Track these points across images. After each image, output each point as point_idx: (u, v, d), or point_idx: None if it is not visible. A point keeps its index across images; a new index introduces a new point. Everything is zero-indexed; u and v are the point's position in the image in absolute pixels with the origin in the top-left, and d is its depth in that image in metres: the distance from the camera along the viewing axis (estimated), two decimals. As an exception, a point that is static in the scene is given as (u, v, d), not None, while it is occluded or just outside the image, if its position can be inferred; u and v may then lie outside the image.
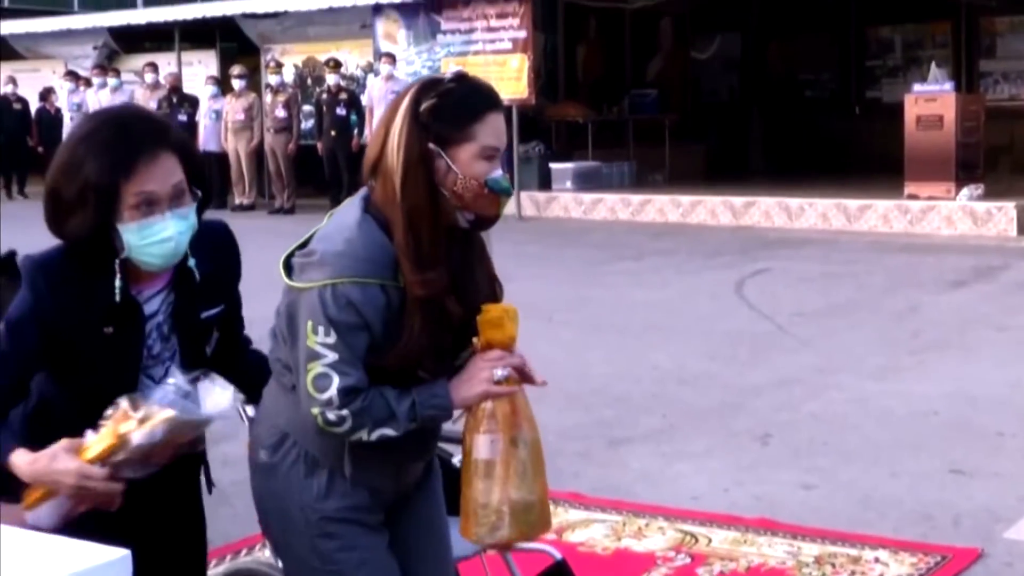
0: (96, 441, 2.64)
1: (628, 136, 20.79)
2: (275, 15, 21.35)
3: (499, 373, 2.88)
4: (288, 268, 2.85)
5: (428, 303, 2.81)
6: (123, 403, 2.66)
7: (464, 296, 2.89)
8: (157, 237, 2.76)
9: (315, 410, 2.78)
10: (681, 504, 5.71)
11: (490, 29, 18.43)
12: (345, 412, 2.77)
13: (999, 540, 5.10)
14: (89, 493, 2.66)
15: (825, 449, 6.48)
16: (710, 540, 5.25)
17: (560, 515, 5.56)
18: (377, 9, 19.66)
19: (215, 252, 2.98)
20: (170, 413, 2.64)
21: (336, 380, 2.76)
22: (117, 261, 2.79)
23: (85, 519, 2.77)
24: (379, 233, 2.82)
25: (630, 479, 6.14)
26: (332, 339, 2.75)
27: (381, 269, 2.79)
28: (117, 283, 2.79)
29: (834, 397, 7.56)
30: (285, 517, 2.95)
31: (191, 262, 2.89)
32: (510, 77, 18.07)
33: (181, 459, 2.85)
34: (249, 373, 3.12)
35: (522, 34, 18.17)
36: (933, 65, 17.06)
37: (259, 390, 3.07)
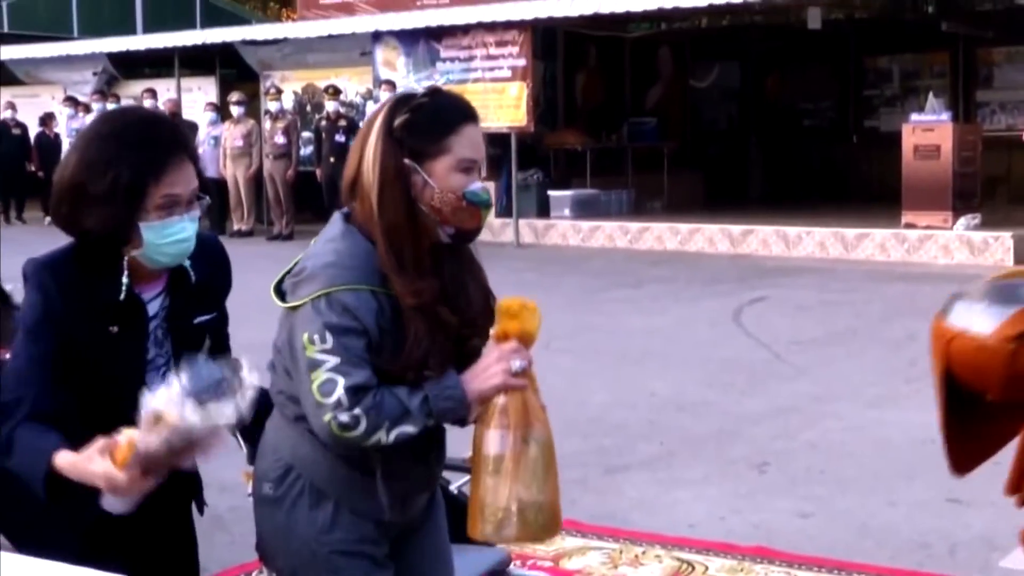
0: (122, 446, 2.61)
1: (627, 164, 20.84)
2: (275, 42, 21.43)
3: (516, 365, 2.82)
4: (280, 294, 2.86)
5: (422, 311, 2.80)
6: (128, 432, 2.62)
7: (457, 307, 2.88)
8: (176, 237, 2.83)
9: (327, 417, 2.71)
10: (678, 532, 5.70)
11: (489, 57, 18.49)
12: (358, 411, 2.70)
13: (995, 569, 5.10)
14: (127, 492, 2.65)
15: (822, 477, 6.49)
16: (707, 568, 5.25)
17: (557, 542, 5.55)
18: (377, 36, 19.73)
19: (207, 261, 3.03)
20: (171, 419, 2.58)
21: (341, 381, 2.71)
22: (125, 259, 2.84)
23: (78, 543, 2.79)
24: (364, 242, 2.83)
25: (627, 506, 6.13)
26: (330, 344, 2.72)
27: (370, 276, 2.79)
28: (124, 279, 2.85)
29: (831, 425, 7.56)
30: (292, 551, 2.92)
31: (187, 263, 2.94)
32: (509, 105, 18.12)
33: (174, 481, 2.82)
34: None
35: (521, 62, 18.23)
36: (931, 95, 17.12)
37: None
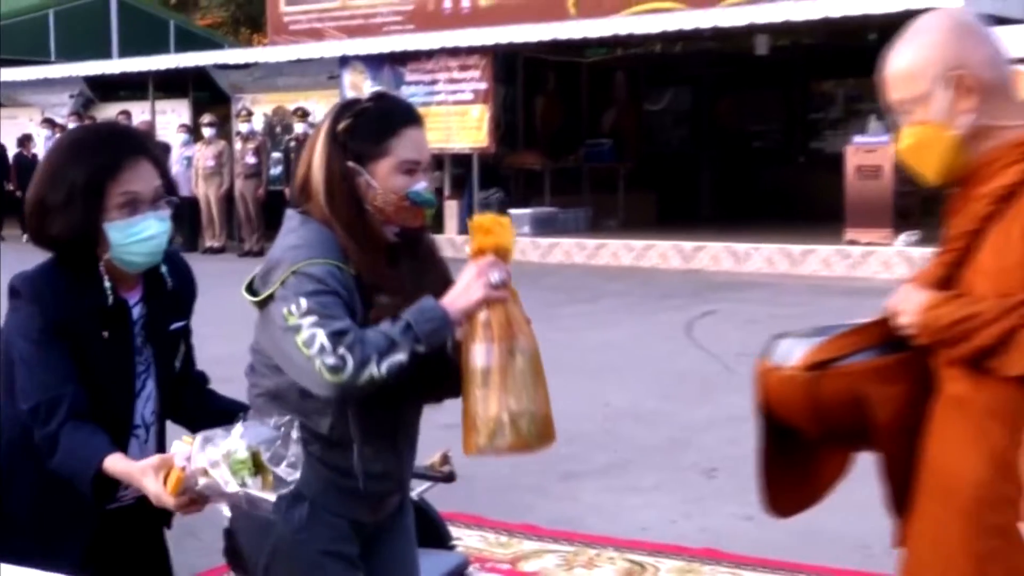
0: (175, 473, 2.56)
1: (584, 183, 20.90)
2: (246, 66, 21.39)
3: (495, 277, 2.81)
4: (252, 292, 2.86)
5: (383, 291, 2.83)
6: (186, 447, 2.55)
7: (413, 301, 2.84)
8: (142, 235, 2.81)
9: (316, 366, 2.68)
10: (631, 535, 5.73)
11: (452, 81, 18.52)
12: (341, 350, 2.67)
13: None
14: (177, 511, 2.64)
15: (769, 483, 6.51)
16: (658, 569, 5.27)
17: (515, 546, 5.58)
18: (344, 61, 19.72)
19: (175, 270, 3.03)
20: (233, 486, 2.49)
21: (320, 331, 2.69)
22: (101, 264, 2.83)
23: (50, 551, 2.77)
24: (325, 230, 2.85)
25: (583, 511, 6.15)
26: (305, 307, 2.72)
27: (333, 253, 2.81)
28: (106, 283, 2.84)
29: (778, 433, 7.59)
30: (268, 550, 2.91)
31: (163, 268, 2.94)
32: (471, 127, 18.15)
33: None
34: (208, 403, 3.15)
35: (483, 86, 18.27)
36: (873, 118, 17.22)
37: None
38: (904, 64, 2.68)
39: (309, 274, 2.75)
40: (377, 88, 3.04)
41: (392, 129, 2.89)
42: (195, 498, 2.55)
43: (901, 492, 2.78)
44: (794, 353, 2.80)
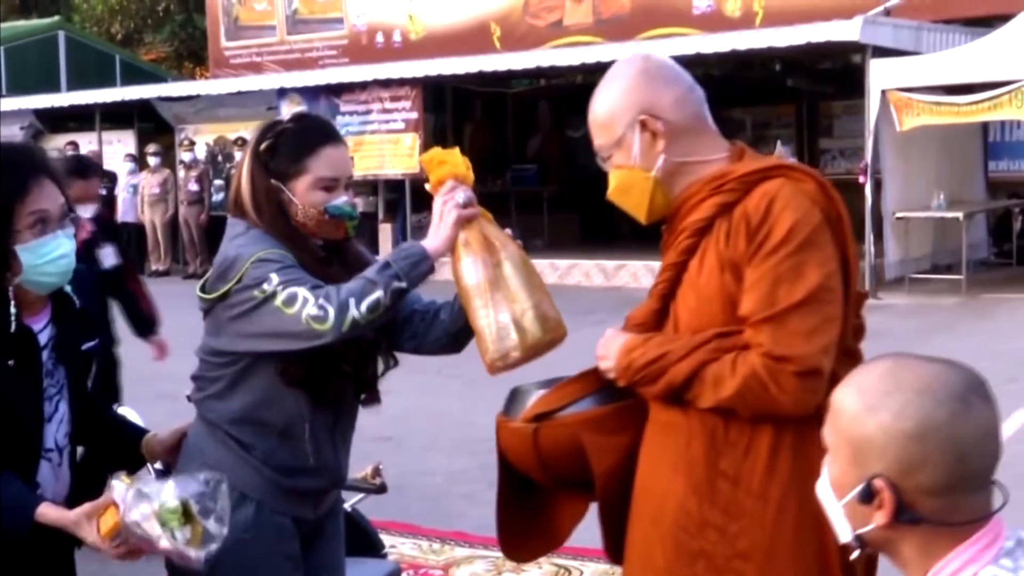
0: (105, 518, 2.47)
1: (511, 206, 20.88)
2: (189, 98, 21.20)
3: (461, 197, 2.81)
4: (205, 292, 2.83)
5: (325, 272, 2.83)
6: (123, 488, 2.46)
7: (344, 267, 2.89)
8: (54, 254, 2.64)
9: (303, 319, 2.66)
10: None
11: (385, 111, 18.46)
12: (321, 300, 2.67)
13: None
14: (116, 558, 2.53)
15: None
16: (582, 572, 5.22)
17: (447, 552, 5.50)
18: (282, 93, 19.58)
19: (81, 289, 2.86)
20: (165, 541, 2.42)
21: (299, 288, 2.69)
22: (10, 289, 2.65)
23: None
24: (262, 233, 2.84)
25: (512, 518, 6.08)
26: (276, 280, 2.71)
27: (278, 246, 2.80)
28: (12, 310, 2.65)
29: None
30: (216, 550, 2.86)
31: (68, 288, 2.78)
32: (403, 154, 18.09)
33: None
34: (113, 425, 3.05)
35: (414, 115, 18.22)
36: (779, 143, 17.37)
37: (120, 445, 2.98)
38: (599, 112, 2.68)
39: (267, 259, 2.75)
40: (298, 109, 2.98)
41: (308, 148, 2.88)
42: (132, 548, 2.47)
43: (618, 541, 2.71)
44: (524, 405, 2.76)
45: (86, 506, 2.52)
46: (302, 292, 2.68)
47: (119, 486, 2.47)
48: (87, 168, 5.84)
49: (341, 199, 2.89)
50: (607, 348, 2.63)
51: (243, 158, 2.95)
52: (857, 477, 1.71)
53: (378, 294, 2.68)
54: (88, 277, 3.01)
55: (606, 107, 2.66)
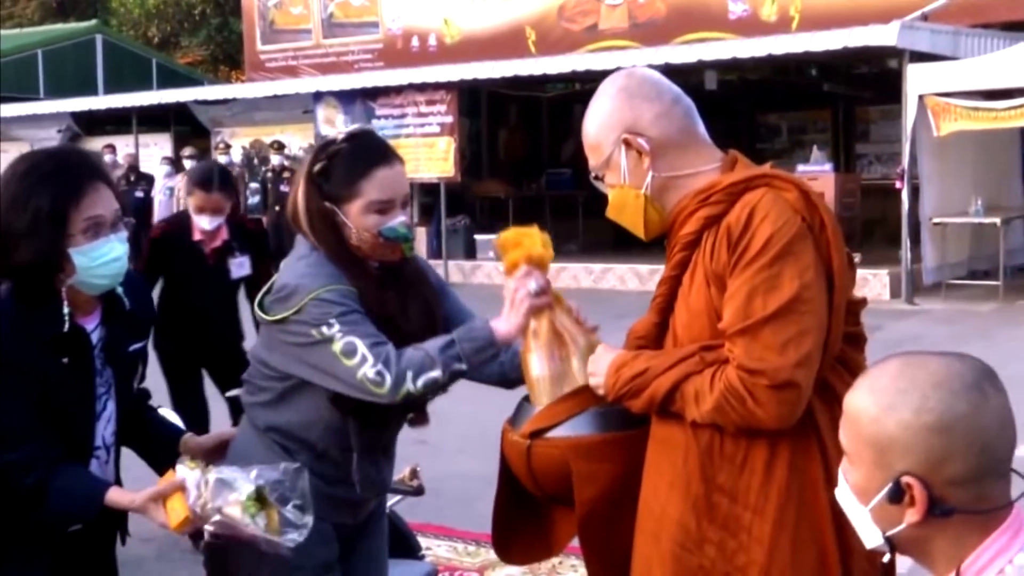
0: (174, 506, 2.55)
1: (545, 210, 20.89)
2: (225, 101, 21.33)
3: (533, 286, 2.78)
4: (264, 311, 2.86)
5: (382, 317, 2.83)
6: (193, 473, 2.55)
7: (396, 327, 2.86)
8: (107, 257, 2.70)
9: (359, 376, 2.70)
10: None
11: (420, 115, 18.51)
12: (380, 366, 2.69)
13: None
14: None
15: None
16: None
17: (482, 554, 5.53)
18: (318, 96, 19.67)
19: (131, 292, 2.91)
20: (250, 528, 2.50)
21: (359, 341, 2.71)
22: (63, 289, 2.71)
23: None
24: (324, 259, 2.85)
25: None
26: (337, 326, 2.73)
27: (341, 277, 2.81)
28: (65, 309, 2.71)
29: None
30: (252, 551, 2.91)
31: (120, 289, 2.84)
32: (438, 158, 18.14)
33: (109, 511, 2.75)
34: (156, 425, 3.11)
35: (449, 119, 18.26)
36: (815, 148, 17.38)
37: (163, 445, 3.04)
38: (587, 133, 2.68)
39: (328, 299, 2.75)
40: (354, 127, 2.99)
41: (362, 172, 2.86)
42: (196, 528, 2.56)
43: (601, 568, 2.71)
44: (525, 418, 2.77)
45: (151, 489, 2.61)
46: (361, 347, 2.70)
47: (188, 471, 2.54)
48: (214, 180, 5.95)
49: (397, 220, 2.87)
50: (596, 365, 2.64)
51: (298, 177, 2.95)
52: (883, 479, 1.72)
53: (436, 373, 2.71)
54: (139, 281, 3.05)
55: (592, 128, 2.67)
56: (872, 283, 14.84)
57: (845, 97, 20.52)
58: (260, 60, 25.24)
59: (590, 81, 21.40)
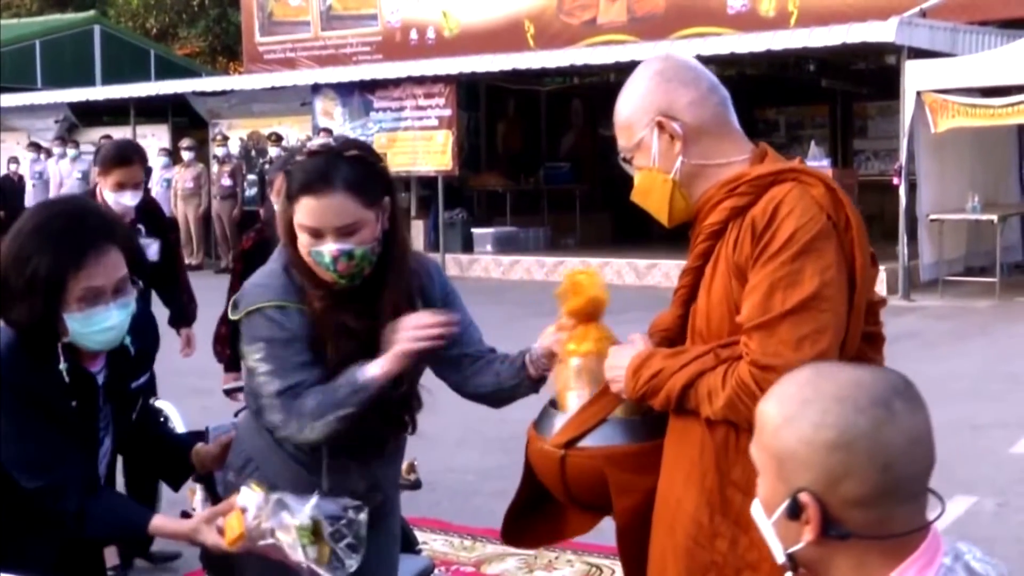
0: (231, 523, 2.59)
1: (543, 204, 20.93)
2: (223, 93, 21.30)
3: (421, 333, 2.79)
4: (234, 307, 2.91)
5: (326, 317, 2.82)
6: (254, 496, 2.58)
7: (368, 311, 2.85)
8: (101, 326, 2.66)
9: (266, 412, 2.81)
10: (588, 539, 5.67)
11: (418, 107, 18.50)
12: (281, 414, 2.77)
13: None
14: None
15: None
16: (614, 571, 5.24)
17: (479, 549, 5.53)
18: (316, 89, 19.66)
19: (137, 331, 2.85)
20: (298, 554, 2.53)
21: (270, 385, 2.78)
22: (60, 345, 2.68)
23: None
24: (284, 271, 2.87)
25: (543, 515, 6.10)
26: (262, 354, 2.79)
27: (292, 295, 2.82)
28: (62, 365, 2.68)
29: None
30: (256, 562, 2.89)
31: (127, 340, 2.80)
32: (436, 151, 18.13)
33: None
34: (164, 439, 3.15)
35: (447, 112, 18.25)
36: (812, 143, 17.36)
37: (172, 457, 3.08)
38: (620, 114, 2.67)
39: (269, 317, 2.80)
40: (319, 141, 2.97)
41: (294, 193, 2.82)
42: (249, 548, 2.58)
43: (638, 573, 2.70)
44: (554, 426, 2.75)
45: (205, 512, 2.68)
46: (270, 389, 2.77)
47: (250, 494, 2.57)
48: (129, 154, 5.73)
49: (325, 247, 2.78)
50: (614, 361, 2.63)
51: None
52: (784, 493, 1.64)
53: (326, 420, 2.75)
54: (148, 314, 3.06)
55: (625, 109, 2.66)
56: (869, 279, 14.81)
57: (843, 93, 20.52)
58: (258, 52, 25.20)
59: (588, 75, 21.44)
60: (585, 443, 2.66)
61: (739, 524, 2.43)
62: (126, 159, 5.62)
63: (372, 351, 2.81)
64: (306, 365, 2.79)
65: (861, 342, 2.48)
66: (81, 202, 2.87)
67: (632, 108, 2.63)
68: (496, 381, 3.03)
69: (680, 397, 2.46)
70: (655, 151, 2.60)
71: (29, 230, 2.64)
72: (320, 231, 2.78)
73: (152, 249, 5.92)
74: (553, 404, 2.83)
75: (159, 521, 2.74)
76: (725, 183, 2.53)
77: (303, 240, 2.81)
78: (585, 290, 2.81)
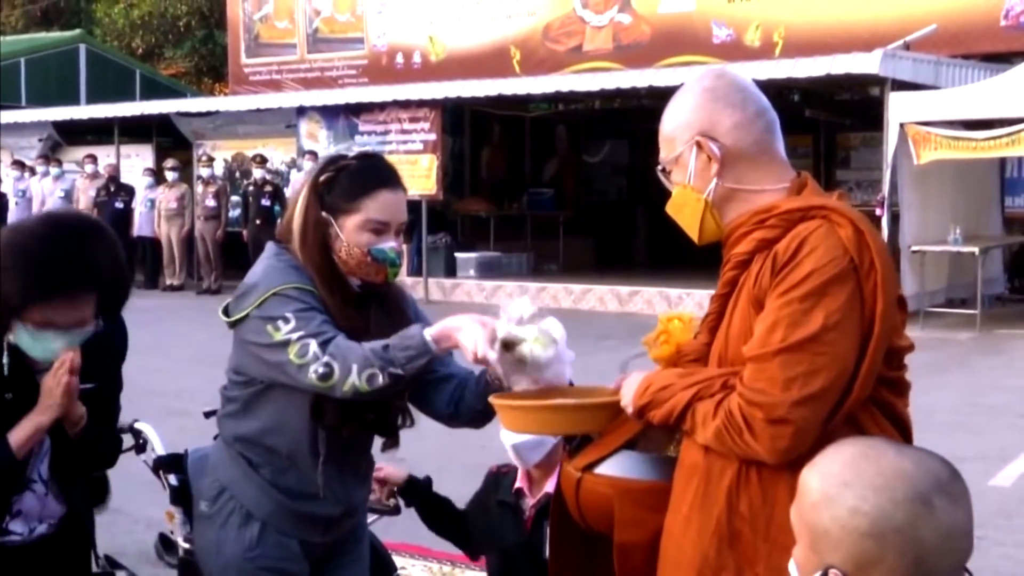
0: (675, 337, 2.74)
1: (526, 230, 20.96)
2: (208, 114, 21.31)
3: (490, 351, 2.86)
4: (227, 315, 2.89)
5: (348, 314, 2.87)
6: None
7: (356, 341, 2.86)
8: (46, 347, 2.71)
9: (310, 374, 2.73)
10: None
11: (403, 131, 18.53)
12: (327, 358, 2.71)
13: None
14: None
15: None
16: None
17: (457, 574, 5.51)
18: (301, 111, 19.69)
19: (98, 338, 2.83)
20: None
21: (312, 341, 2.74)
22: (4, 340, 2.72)
23: None
24: (293, 262, 2.89)
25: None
26: (293, 323, 2.76)
27: (304, 279, 2.84)
28: (4, 360, 2.73)
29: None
30: (220, 565, 2.93)
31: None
32: (420, 175, 18.15)
33: (66, 534, 2.79)
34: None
35: (432, 137, 18.29)
36: (796, 172, 17.36)
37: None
38: (664, 126, 2.64)
39: (288, 295, 2.79)
40: (365, 149, 3.02)
41: (366, 189, 2.89)
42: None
43: None
44: (581, 450, 2.74)
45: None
46: (313, 347, 2.73)
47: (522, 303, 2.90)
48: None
49: (388, 243, 2.91)
50: (628, 387, 2.64)
51: (302, 185, 2.99)
52: (815, 564, 1.67)
53: (374, 371, 2.73)
54: (113, 326, 2.98)
55: (670, 122, 2.62)
56: (850, 309, 14.85)
57: (827, 123, 20.61)
58: (244, 73, 25.24)
59: (573, 102, 21.51)
60: (601, 469, 2.65)
61: (745, 557, 2.40)
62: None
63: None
64: (330, 325, 2.80)
65: (883, 388, 2.43)
66: (61, 247, 2.71)
67: (676, 123, 2.60)
68: (472, 408, 3.10)
69: (680, 416, 2.45)
70: (692, 169, 2.58)
71: (13, 249, 2.64)
72: (388, 225, 2.89)
73: None
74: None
75: (16, 434, 2.70)
76: (756, 212, 2.51)
77: (362, 239, 2.87)
78: (675, 338, 2.79)
